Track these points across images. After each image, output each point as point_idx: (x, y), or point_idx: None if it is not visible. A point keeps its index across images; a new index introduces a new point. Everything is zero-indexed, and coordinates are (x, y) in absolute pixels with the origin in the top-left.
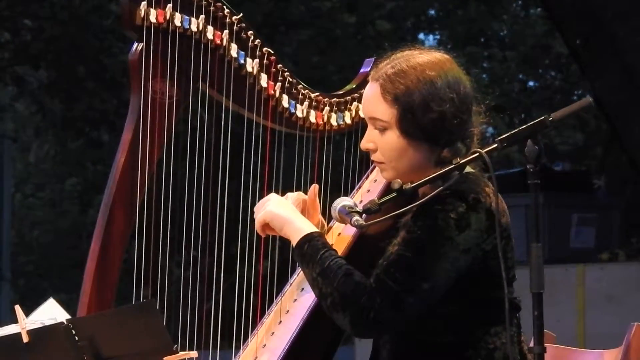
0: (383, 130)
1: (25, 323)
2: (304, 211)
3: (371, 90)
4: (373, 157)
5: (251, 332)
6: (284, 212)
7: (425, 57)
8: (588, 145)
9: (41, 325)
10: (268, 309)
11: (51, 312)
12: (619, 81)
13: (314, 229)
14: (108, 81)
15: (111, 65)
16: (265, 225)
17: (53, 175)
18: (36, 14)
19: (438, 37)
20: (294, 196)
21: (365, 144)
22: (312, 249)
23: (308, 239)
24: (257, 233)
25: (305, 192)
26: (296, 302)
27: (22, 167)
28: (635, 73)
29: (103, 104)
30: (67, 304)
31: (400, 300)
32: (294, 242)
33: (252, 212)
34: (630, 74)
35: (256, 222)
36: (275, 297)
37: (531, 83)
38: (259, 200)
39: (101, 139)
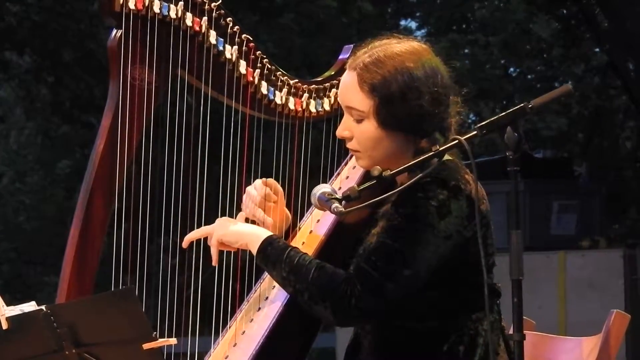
0: (360, 119)
1: (5, 310)
2: (269, 196)
3: (348, 79)
4: (349, 145)
5: (230, 319)
6: (233, 228)
7: (403, 47)
8: (571, 131)
9: (20, 312)
10: (247, 295)
11: None
12: (628, 48)
13: (271, 233)
14: (94, 66)
15: (97, 50)
16: (222, 245)
17: (37, 161)
18: (22, 0)
19: (419, 23)
20: (258, 182)
21: (341, 132)
22: (275, 250)
23: (269, 242)
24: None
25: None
26: (275, 288)
27: (6, 153)
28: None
29: (90, 89)
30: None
31: (381, 286)
32: (254, 249)
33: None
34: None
35: (212, 249)
36: (255, 284)
37: (512, 69)
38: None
39: (89, 124)
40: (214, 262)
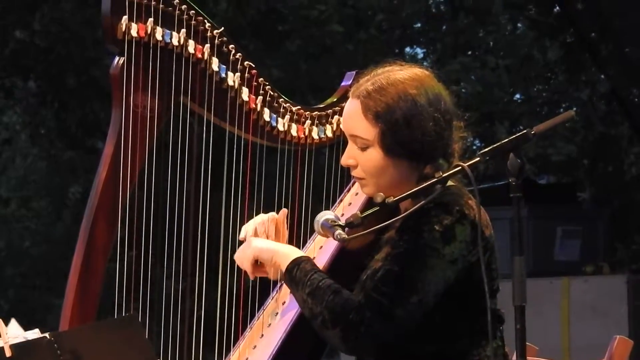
0: (364, 147)
1: (8, 337)
2: (277, 230)
3: (352, 108)
4: (353, 173)
5: (233, 345)
6: (269, 244)
7: (405, 74)
8: (578, 156)
9: (24, 340)
10: (250, 322)
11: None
12: (629, 76)
13: (301, 253)
14: (99, 92)
15: (101, 77)
16: (255, 266)
17: (43, 187)
18: (28, 26)
19: (424, 50)
20: (266, 216)
21: (345, 160)
22: (301, 272)
23: (297, 262)
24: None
25: (286, 206)
26: (278, 315)
27: (12, 179)
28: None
29: (95, 114)
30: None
31: (390, 313)
32: (283, 268)
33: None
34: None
35: (245, 263)
36: (258, 311)
37: (518, 95)
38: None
39: (94, 149)
40: (252, 276)
